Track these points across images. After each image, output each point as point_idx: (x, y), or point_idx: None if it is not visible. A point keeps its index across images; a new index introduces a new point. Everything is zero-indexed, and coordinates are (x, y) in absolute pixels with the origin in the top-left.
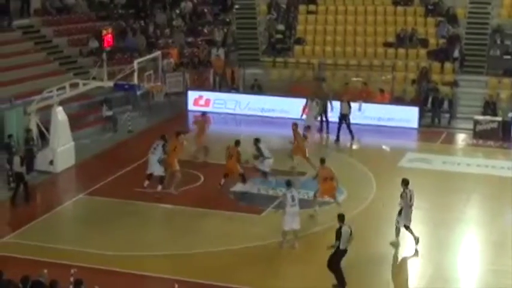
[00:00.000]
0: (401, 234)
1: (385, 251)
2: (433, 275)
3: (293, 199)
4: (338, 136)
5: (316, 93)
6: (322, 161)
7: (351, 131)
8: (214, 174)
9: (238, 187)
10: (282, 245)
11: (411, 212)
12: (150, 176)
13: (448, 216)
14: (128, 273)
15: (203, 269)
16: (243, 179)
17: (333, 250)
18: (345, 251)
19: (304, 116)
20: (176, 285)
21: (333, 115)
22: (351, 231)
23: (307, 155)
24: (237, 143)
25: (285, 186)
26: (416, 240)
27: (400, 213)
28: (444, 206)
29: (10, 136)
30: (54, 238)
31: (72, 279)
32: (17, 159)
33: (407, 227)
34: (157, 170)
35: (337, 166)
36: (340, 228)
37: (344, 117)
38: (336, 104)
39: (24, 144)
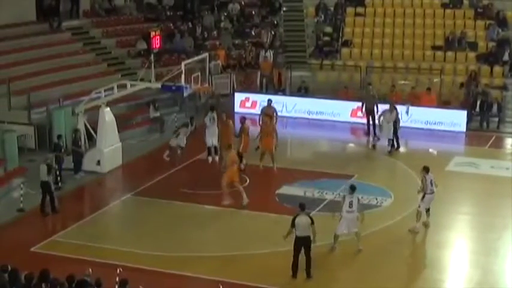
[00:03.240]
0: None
1: (431, 255)
2: (480, 280)
3: (351, 205)
4: (393, 141)
5: (364, 97)
6: (229, 146)
7: (397, 138)
8: (260, 177)
9: (284, 189)
10: (333, 248)
11: (432, 198)
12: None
13: (495, 222)
14: (173, 274)
15: (248, 271)
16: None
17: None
18: (302, 238)
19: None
20: (221, 287)
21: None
22: (311, 220)
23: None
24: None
25: (349, 190)
26: (427, 225)
27: (422, 198)
28: (492, 211)
29: (59, 137)
30: (100, 238)
31: (117, 279)
32: (43, 168)
33: (427, 210)
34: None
35: (385, 169)
36: (296, 216)
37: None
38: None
39: (72, 144)
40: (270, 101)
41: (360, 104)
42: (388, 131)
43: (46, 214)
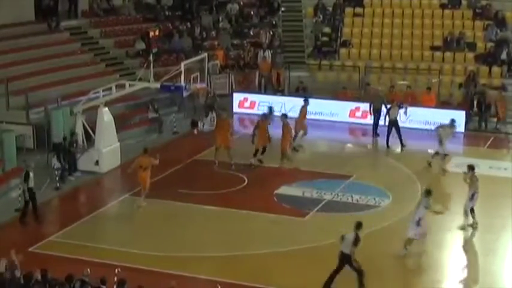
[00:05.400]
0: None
1: (429, 255)
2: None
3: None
4: (388, 143)
5: (372, 97)
6: (145, 150)
7: (401, 139)
8: (259, 177)
9: (283, 190)
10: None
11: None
12: None
13: (494, 222)
14: (171, 274)
15: (246, 271)
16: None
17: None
18: (344, 254)
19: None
20: (219, 287)
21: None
22: (355, 239)
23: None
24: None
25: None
26: (476, 224)
27: (472, 197)
28: (490, 211)
29: (65, 139)
30: (98, 238)
31: (115, 279)
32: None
33: (472, 210)
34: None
35: (383, 170)
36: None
37: (393, 123)
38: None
39: (69, 145)
40: (306, 100)
41: (359, 105)
42: (443, 146)
43: (39, 216)
